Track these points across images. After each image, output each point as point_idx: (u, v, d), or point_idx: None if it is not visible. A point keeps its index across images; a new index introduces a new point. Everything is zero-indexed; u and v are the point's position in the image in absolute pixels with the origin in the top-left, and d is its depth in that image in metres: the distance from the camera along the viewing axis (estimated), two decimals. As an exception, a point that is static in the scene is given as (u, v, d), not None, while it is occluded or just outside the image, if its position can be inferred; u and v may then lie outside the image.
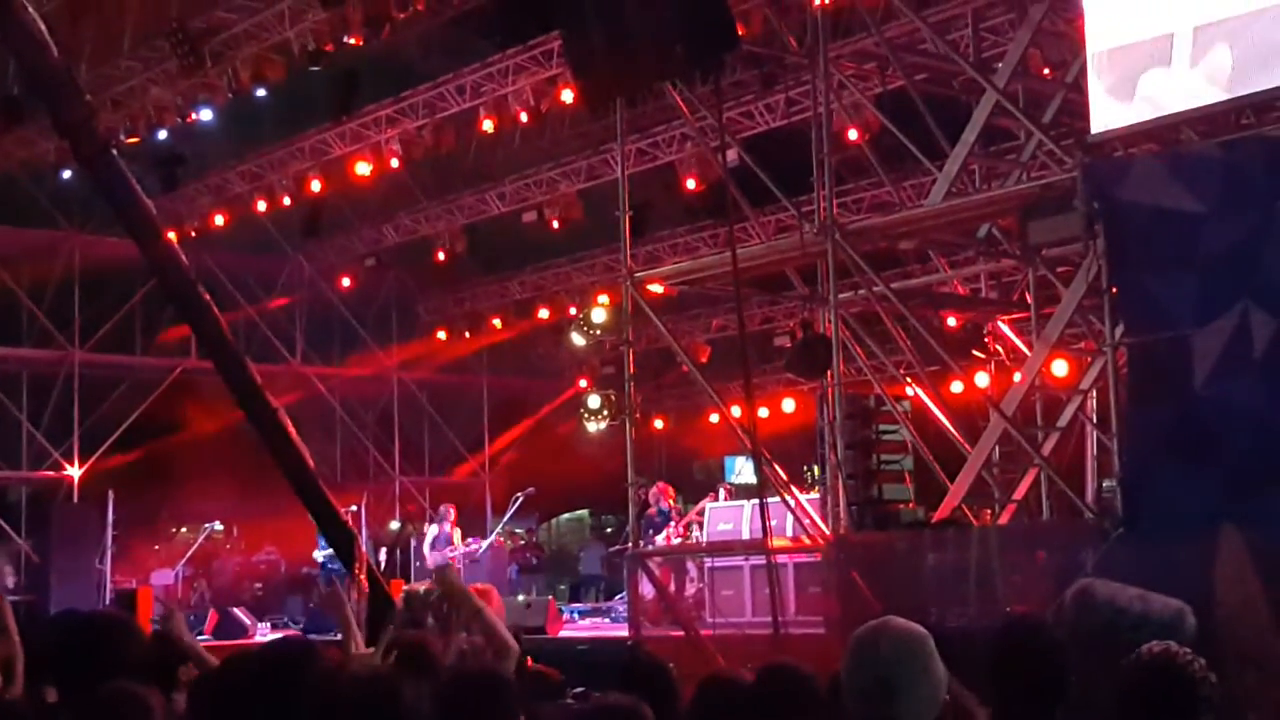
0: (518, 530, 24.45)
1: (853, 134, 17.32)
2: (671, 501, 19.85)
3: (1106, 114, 12.48)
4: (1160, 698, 3.83)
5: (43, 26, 11.74)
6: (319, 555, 20.93)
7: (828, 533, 13.95)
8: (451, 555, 20.53)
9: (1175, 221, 11.08)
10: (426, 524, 21.89)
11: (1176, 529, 10.19)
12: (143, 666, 4.55)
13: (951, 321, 17.31)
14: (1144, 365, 11.46)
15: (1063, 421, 14.27)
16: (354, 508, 20.05)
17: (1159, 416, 11.15)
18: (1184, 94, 12.10)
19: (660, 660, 5.58)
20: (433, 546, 20.74)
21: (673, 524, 19.08)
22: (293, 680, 3.80)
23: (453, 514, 21.27)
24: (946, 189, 14.38)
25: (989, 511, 14.35)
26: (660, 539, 18.69)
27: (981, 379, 15.97)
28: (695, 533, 19.19)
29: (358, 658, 5.12)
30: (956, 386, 16.86)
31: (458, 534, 21.16)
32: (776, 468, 14.92)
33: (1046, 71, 16.04)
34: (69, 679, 4.40)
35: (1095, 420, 14.40)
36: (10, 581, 21.99)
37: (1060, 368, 15.07)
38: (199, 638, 7.03)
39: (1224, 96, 11.94)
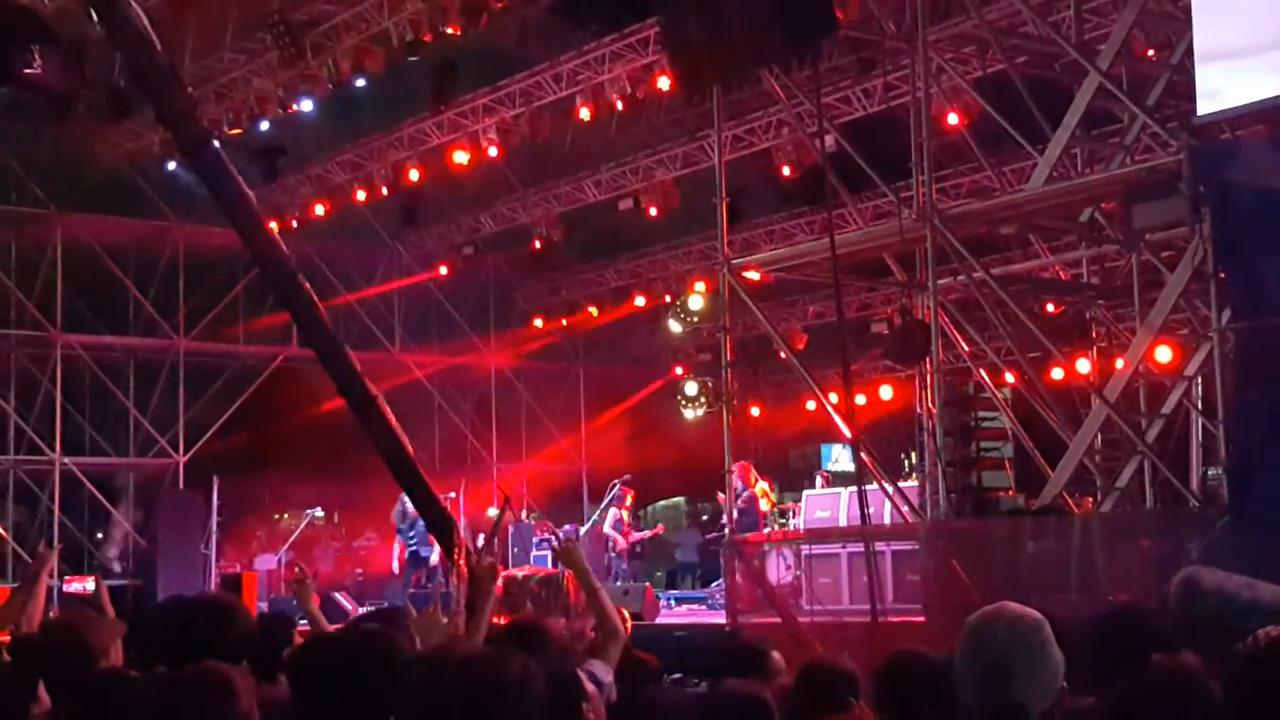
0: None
1: (952, 118, 17.14)
2: (759, 488, 19.84)
3: (1213, 95, 12.24)
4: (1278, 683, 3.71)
5: (146, 21, 11.92)
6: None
7: (926, 520, 13.85)
8: (630, 537, 20.75)
9: (1285, 204, 10.87)
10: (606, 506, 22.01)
11: (1286, 517, 10.00)
12: (247, 648, 4.62)
13: (1051, 308, 17.10)
14: (1252, 350, 11.27)
15: (1167, 408, 14.05)
16: (452, 494, 20.22)
17: (1267, 402, 10.95)
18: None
19: (761, 645, 5.58)
20: (615, 528, 20.97)
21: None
22: (385, 657, 3.90)
23: (629, 498, 21.36)
24: (1048, 173, 14.20)
25: (1091, 499, 14.16)
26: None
27: (1083, 365, 15.75)
28: (791, 519, 19.14)
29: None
30: (1057, 373, 16.63)
31: (625, 515, 21.35)
32: (873, 454, 14.83)
33: (1150, 53, 15.77)
34: (177, 659, 4.47)
35: (1200, 407, 14.17)
36: (116, 566, 22.46)
37: (1164, 354, 14.83)
38: (301, 623, 7.14)
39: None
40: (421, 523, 20.10)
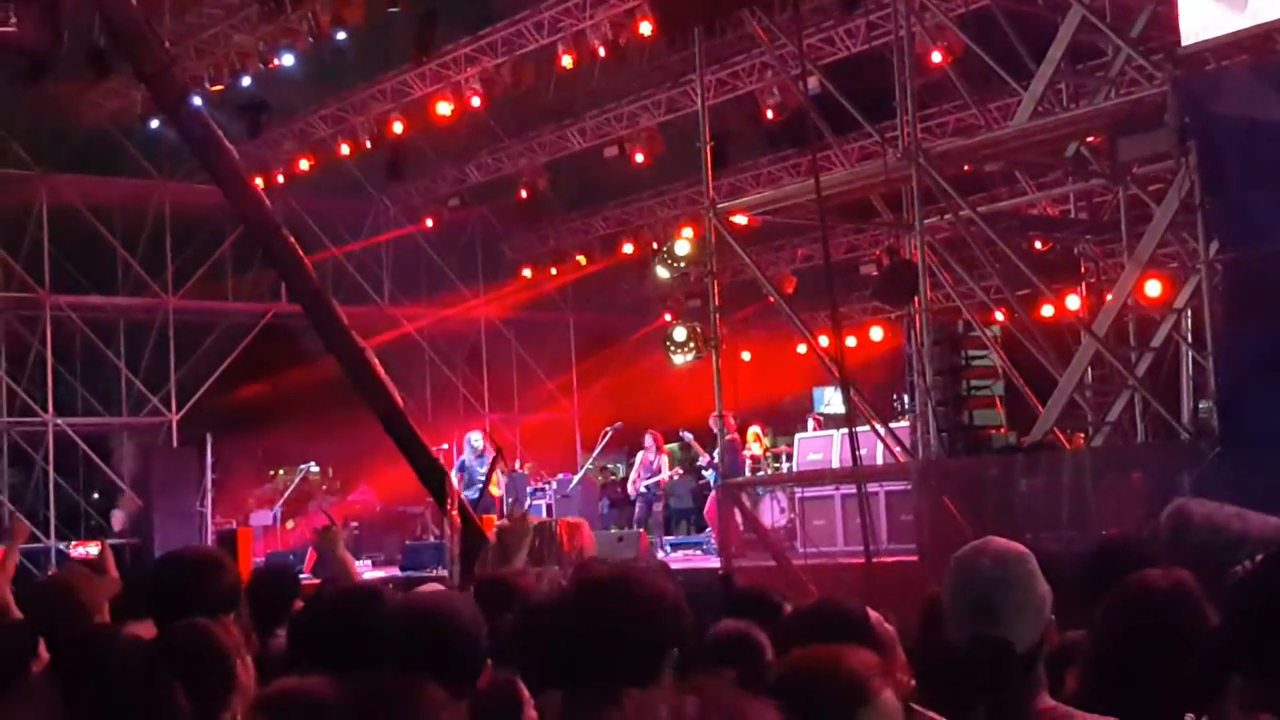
0: (609, 465, 24.57)
1: (936, 56, 17.07)
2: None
3: (1197, 25, 12.18)
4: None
5: (123, -24, 11.82)
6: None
7: (918, 459, 13.88)
8: (660, 480, 20.78)
9: (1271, 134, 10.85)
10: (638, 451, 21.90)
11: (1275, 447, 10.02)
12: (233, 602, 4.64)
13: (1039, 245, 17.08)
14: (1239, 281, 11.27)
15: (1156, 341, 14.06)
16: (444, 446, 20.26)
17: (1255, 333, 10.96)
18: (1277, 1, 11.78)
19: (760, 589, 5.61)
20: (638, 475, 21.00)
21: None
22: (367, 614, 4.02)
23: (654, 442, 21.25)
24: (1033, 109, 14.15)
25: (1082, 435, 14.20)
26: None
27: (1072, 301, 15.75)
28: (784, 463, 19.16)
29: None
30: (1046, 310, 16.65)
31: (664, 460, 21.06)
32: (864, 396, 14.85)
33: (1135, -16, 15.68)
34: (164, 614, 4.50)
35: (1190, 339, 14.17)
36: (118, 526, 22.51)
37: (1153, 287, 14.83)
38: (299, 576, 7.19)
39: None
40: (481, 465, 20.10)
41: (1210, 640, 3.68)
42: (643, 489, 20.73)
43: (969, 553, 3.32)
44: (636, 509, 20.74)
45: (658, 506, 20.85)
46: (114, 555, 6.04)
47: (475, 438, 20.99)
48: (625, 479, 22.41)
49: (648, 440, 21.00)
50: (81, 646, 4.32)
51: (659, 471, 20.90)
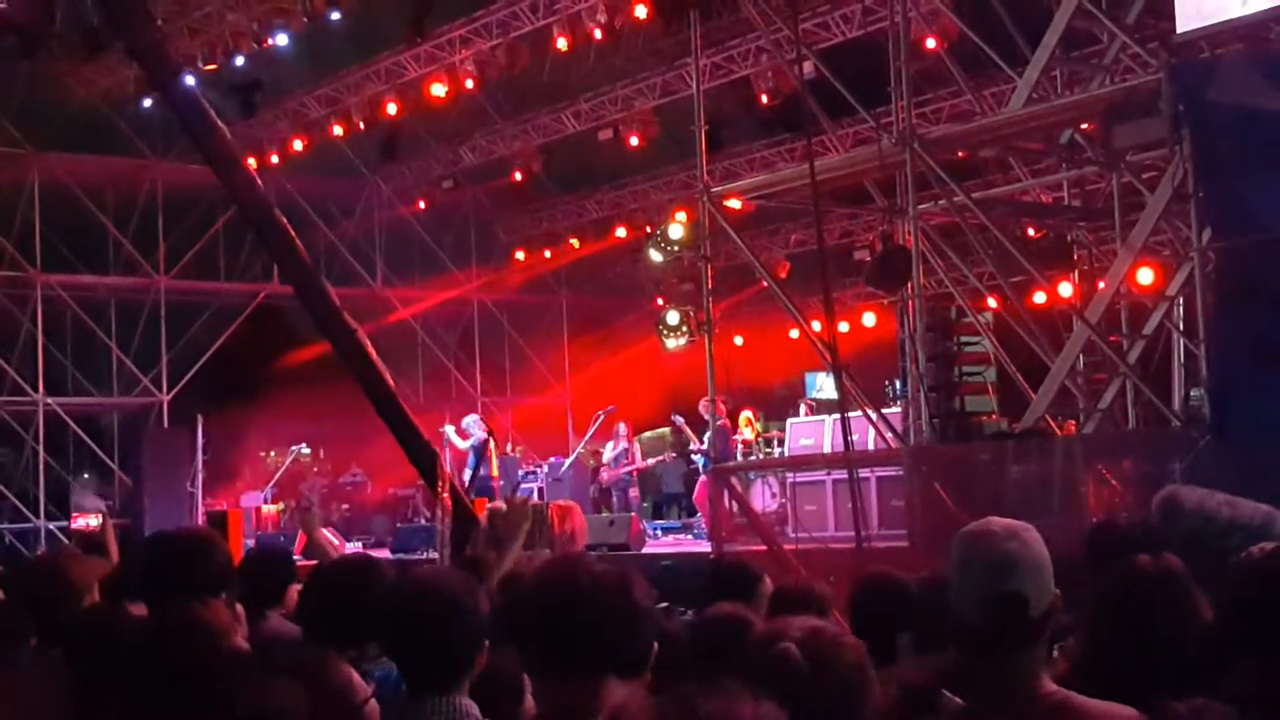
0: (601, 449, 24.55)
1: (931, 42, 17.06)
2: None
3: (1192, 13, 12.17)
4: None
5: (116, -46, 11.77)
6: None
7: (910, 445, 13.89)
8: (630, 469, 20.90)
9: (1265, 122, 10.84)
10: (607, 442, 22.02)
11: (1266, 435, 10.04)
12: (226, 582, 4.64)
13: (1032, 231, 17.09)
14: (1232, 269, 11.27)
15: (1149, 329, 14.06)
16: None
17: (1248, 321, 10.98)
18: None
19: (744, 562, 5.63)
20: (615, 463, 21.15)
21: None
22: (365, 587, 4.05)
23: (624, 430, 21.35)
24: (1028, 95, 14.13)
25: (1074, 422, 14.20)
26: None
27: (1065, 288, 15.76)
28: (777, 448, 19.12)
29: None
30: (1039, 296, 16.65)
31: (637, 448, 21.42)
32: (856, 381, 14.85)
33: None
34: (155, 595, 4.50)
35: (1182, 327, 14.18)
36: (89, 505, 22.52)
37: (1146, 275, 14.82)
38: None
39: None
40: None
41: (1212, 624, 3.69)
42: (623, 474, 20.83)
43: (977, 525, 3.30)
44: (614, 498, 20.78)
45: (633, 492, 20.91)
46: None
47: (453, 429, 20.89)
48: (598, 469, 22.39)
49: (622, 429, 21.14)
50: (73, 627, 4.33)
51: (633, 460, 20.98)
